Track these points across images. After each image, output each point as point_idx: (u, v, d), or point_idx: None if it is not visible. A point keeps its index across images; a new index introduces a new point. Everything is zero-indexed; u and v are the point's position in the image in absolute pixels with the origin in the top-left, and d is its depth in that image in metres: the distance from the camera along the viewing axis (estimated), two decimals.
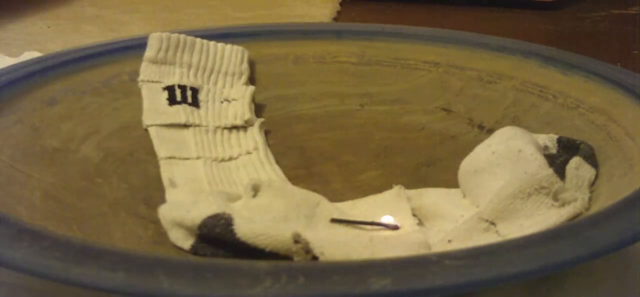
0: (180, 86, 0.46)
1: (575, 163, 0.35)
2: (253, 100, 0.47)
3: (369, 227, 0.34)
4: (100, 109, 0.44)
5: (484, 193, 0.35)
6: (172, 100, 0.45)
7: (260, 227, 0.30)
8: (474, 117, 0.46)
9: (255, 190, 0.34)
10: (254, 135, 0.44)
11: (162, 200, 0.36)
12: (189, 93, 0.46)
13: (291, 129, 0.47)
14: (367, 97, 0.49)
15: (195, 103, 0.45)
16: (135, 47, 0.48)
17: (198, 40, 0.48)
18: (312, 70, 0.51)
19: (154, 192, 0.38)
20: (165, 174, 0.39)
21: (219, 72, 0.48)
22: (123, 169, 0.40)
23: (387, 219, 0.34)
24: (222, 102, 0.46)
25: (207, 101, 0.46)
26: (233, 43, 0.49)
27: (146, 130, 0.43)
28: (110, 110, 0.44)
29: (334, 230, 0.33)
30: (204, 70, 0.48)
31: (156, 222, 0.34)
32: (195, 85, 0.46)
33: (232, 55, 0.49)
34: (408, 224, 0.34)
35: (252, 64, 0.50)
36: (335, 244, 0.29)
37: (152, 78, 0.46)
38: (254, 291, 0.22)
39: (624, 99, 0.39)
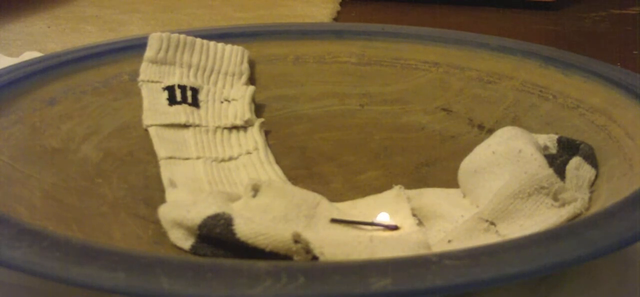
0: (180, 86, 0.46)
1: (575, 163, 0.35)
2: (253, 100, 0.47)
3: (369, 227, 0.34)
4: (100, 109, 0.44)
5: (484, 193, 0.35)
6: (172, 101, 0.45)
7: (260, 227, 0.30)
8: (474, 117, 0.46)
9: (255, 190, 0.34)
10: (254, 135, 0.44)
11: (162, 200, 0.36)
12: (189, 93, 0.46)
13: (291, 129, 0.47)
14: (367, 97, 0.49)
15: (195, 103, 0.45)
16: (135, 47, 0.48)
17: (198, 40, 0.48)
18: (312, 70, 0.51)
19: (154, 192, 0.38)
20: (165, 174, 0.39)
21: (219, 72, 0.48)
22: (123, 169, 0.40)
23: (383, 217, 0.34)
24: (222, 102, 0.46)
25: (207, 101, 0.46)
26: (233, 43, 0.49)
27: (146, 130, 0.43)
28: (110, 110, 0.44)
29: (334, 230, 0.33)
30: (204, 70, 0.48)
31: (156, 222, 0.34)
32: (195, 85, 0.46)
33: (232, 55, 0.49)
34: (408, 224, 0.34)
35: (252, 64, 0.50)
36: (335, 244, 0.29)
37: (152, 78, 0.46)
38: (254, 291, 0.22)
39: (624, 99, 0.39)
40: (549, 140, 0.38)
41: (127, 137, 0.43)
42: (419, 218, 0.35)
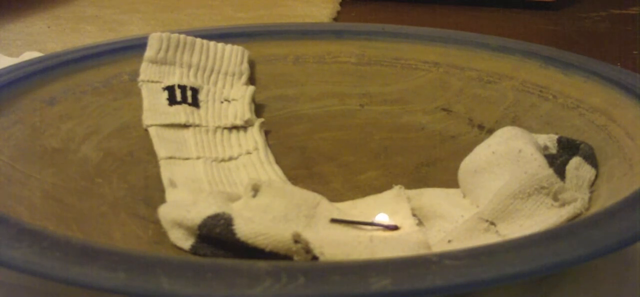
0: (180, 86, 0.46)
1: (575, 163, 0.35)
2: (253, 100, 0.47)
3: (369, 227, 0.34)
4: (100, 109, 0.44)
5: (484, 193, 0.35)
6: (172, 100, 0.45)
7: (260, 227, 0.30)
8: (474, 117, 0.46)
9: (255, 190, 0.34)
10: (254, 136, 0.44)
11: (162, 200, 0.36)
12: (189, 93, 0.46)
13: (291, 129, 0.47)
14: (367, 97, 0.49)
15: (195, 103, 0.45)
16: (135, 47, 0.48)
17: (198, 40, 0.48)
18: (312, 70, 0.51)
19: (154, 192, 0.38)
20: (165, 174, 0.39)
21: (219, 72, 0.48)
22: (123, 169, 0.40)
23: (382, 217, 0.34)
24: (222, 102, 0.46)
25: (207, 101, 0.46)
26: (233, 43, 0.49)
27: (146, 130, 0.43)
28: (110, 110, 0.44)
29: (334, 230, 0.33)
30: (204, 70, 0.48)
31: (156, 222, 0.34)
32: (195, 85, 0.46)
33: (232, 55, 0.49)
34: (408, 224, 0.34)
35: (252, 64, 0.50)
36: (335, 244, 0.29)
37: (152, 78, 0.46)
38: (254, 291, 0.22)
39: (624, 99, 0.39)
40: (549, 140, 0.38)
41: (127, 137, 0.43)
42: (419, 218, 0.35)
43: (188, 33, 0.49)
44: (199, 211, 0.31)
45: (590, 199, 0.33)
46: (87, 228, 0.33)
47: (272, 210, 0.33)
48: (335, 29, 0.54)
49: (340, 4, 0.96)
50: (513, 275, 0.23)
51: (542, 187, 0.32)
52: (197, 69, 0.47)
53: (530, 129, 0.39)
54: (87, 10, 0.90)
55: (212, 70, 0.48)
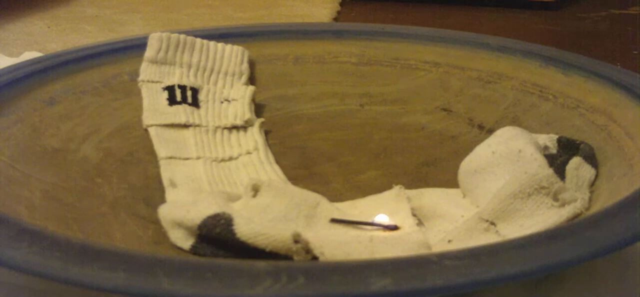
0: (180, 86, 0.46)
1: (575, 163, 0.35)
2: (253, 100, 0.47)
3: (369, 227, 0.34)
4: (100, 109, 0.44)
5: (484, 193, 0.35)
6: (172, 101, 0.45)
7: (260, 227, 0.30)
8: (474, 117, 0.46)
9: (255, 190, 0.34)
10: (254, 135, 0.44)
11: (162, 200, 0.36)
12: (189, 93, 0.46)
13: (291, 129, 0.47)
14: (367, 97, 0.49)
15: (195, 103, 0.45)
16: (135, 47, 0.48)
17: (198, 40, 0.48)
18: (312, 70, 0.51)
19: (154, 192, 0.38)
20: (165, 174, 0.39)
21: (219, 72, 0.48)
22: (123, 169, 0.40)
23: (381, 218, 0.34)
24: (222, 102, 0.46)
25: (207, 101, 0.46)
26: (233, 43, 0.49)
27: (146, 130, 0.43)
28: (110, 110, 0.44)
29: (334, 230, 0.33)
30: (204, 70, 0.48)
31: (156, 222, 0.34)
32: (195, 85, 0.46)
33: (232, 55, 0.49)
34: (408, 224, 0.34)
35: (252, 64, 0.50)
36: (335, 244, 0.29)
37: (152, 78, 0.46)
38: (254, 291, 0.22)
39: (624, 99, 0.39)
40: (549, 140, 0.38)
41: (127, 137, 0.43)
42: (419, 218, 0.35)
43: (188, 33, 0.49)
44: (199, 211, 0.31)
45: (590, 199, 0.33)
46: (87, 228, 0.33)
47: (272, 210, 0.33)
48: (335, 29, 0.54)
49: (340, 4, 0.96)
50: (513, 275, 0.23)
51: (542, 187, 0.32)
52: (197, 69, 0.47)
53: (530, 129, 0.39)
54: (87, 10, 0.90)
55: (212, 70, 0.48)
